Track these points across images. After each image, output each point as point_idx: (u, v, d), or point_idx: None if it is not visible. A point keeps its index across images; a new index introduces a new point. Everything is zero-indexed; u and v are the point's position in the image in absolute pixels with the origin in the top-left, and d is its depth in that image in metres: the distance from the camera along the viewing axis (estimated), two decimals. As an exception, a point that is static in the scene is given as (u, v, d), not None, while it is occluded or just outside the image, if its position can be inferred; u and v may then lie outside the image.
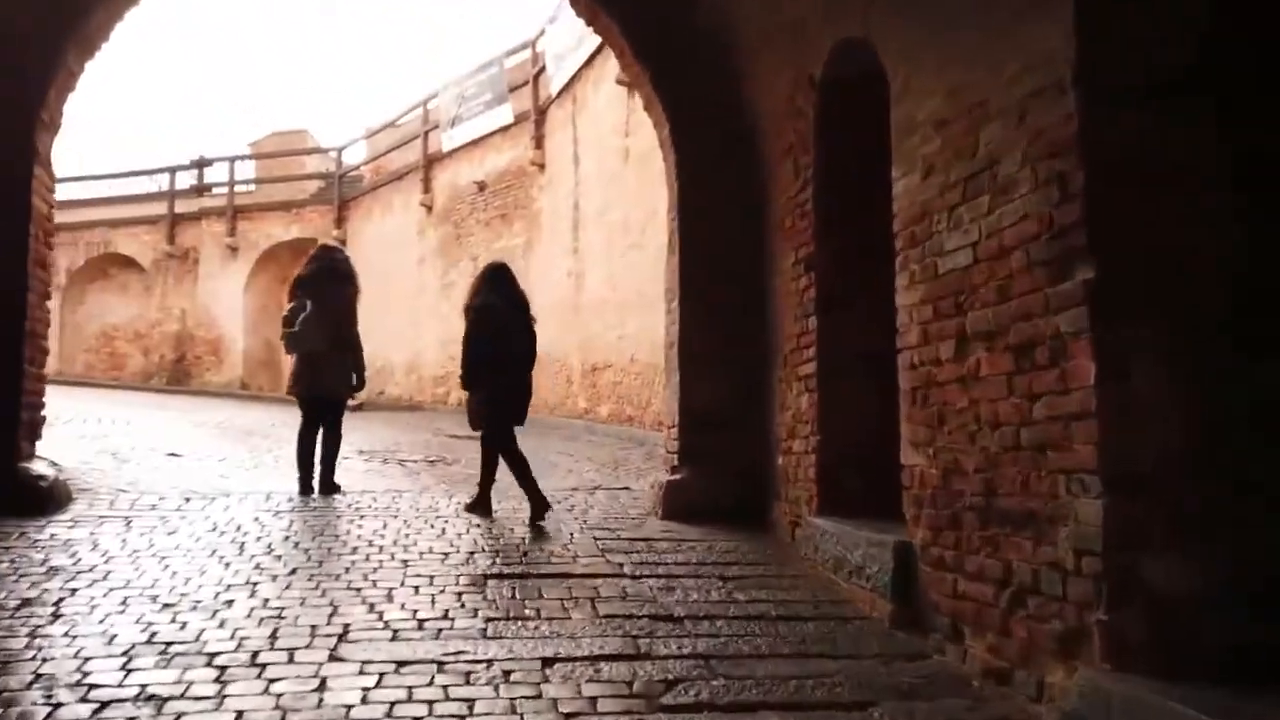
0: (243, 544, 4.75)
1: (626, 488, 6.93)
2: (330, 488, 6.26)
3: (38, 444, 5.66)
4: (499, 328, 5.71)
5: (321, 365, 6.35)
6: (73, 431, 8.47)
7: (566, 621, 3.79)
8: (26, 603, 3.73)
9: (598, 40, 9.06)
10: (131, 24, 6.08)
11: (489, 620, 3.74)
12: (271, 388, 18.89)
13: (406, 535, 5.08)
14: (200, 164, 19.65)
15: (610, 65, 10.07)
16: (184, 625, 3.55)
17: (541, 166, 13.79)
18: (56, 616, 3.61)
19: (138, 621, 3.57)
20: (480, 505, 5.74)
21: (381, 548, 4.78)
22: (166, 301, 19.88)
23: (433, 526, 5.31)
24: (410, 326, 16.48)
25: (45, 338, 5.73)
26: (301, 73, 58.98)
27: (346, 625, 3.62)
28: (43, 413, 5.74)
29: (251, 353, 19.24)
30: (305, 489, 6.20)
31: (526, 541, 5.12)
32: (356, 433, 9.46)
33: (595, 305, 11.94)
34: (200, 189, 19.73)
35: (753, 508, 5.68)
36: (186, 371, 19.45)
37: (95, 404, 11.75)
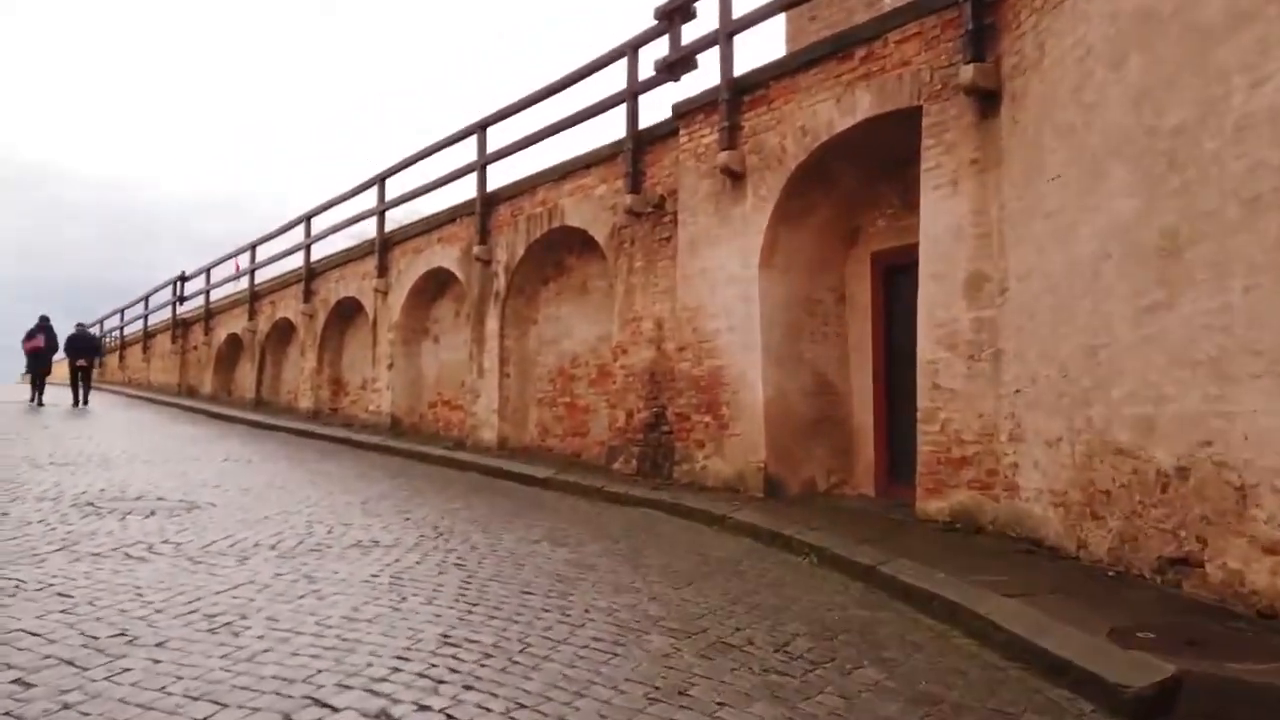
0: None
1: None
2: None
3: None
4: None
5: None
6: None
7: None
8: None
9: None
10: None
11: None
12: (853, 484, 7.59)
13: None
14: (675, 8, 9.47)
15: None
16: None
17: None
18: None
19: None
20: None
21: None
22: (632, 304, 10.13)
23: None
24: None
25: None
26: None
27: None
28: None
29: (783, 407, 8.31)
30: None
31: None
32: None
33: None
34: (674, 64, 9.56)
35: None
36: (666, 445, 9.32)
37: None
